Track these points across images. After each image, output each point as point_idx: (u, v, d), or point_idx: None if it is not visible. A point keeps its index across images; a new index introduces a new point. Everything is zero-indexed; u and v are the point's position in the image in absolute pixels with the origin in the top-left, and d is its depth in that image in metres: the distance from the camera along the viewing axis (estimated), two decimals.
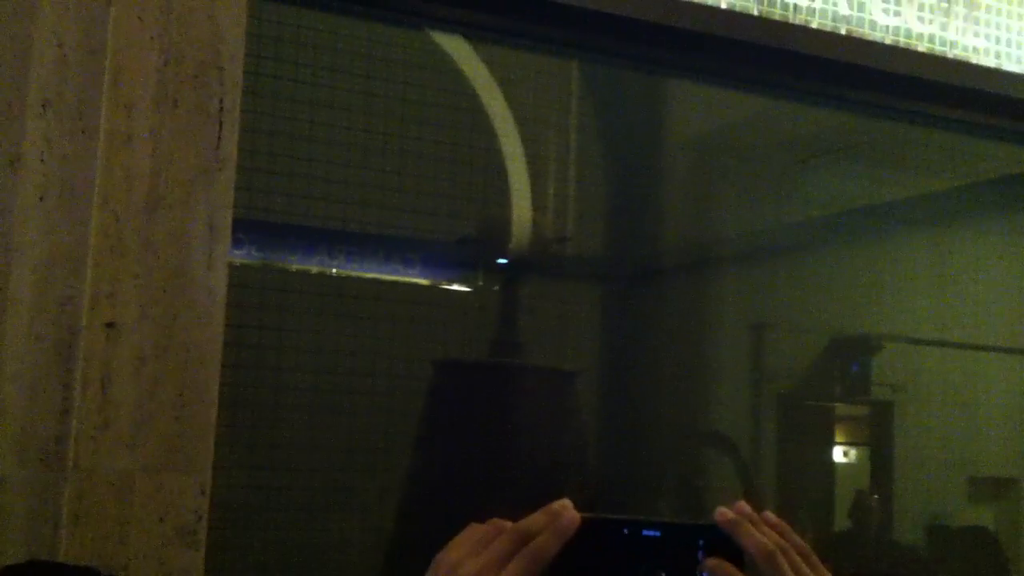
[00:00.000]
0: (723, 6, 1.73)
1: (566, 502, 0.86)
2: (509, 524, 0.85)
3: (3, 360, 1.11)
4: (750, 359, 2.17)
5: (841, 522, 2.23)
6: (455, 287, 1.89)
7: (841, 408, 2.32)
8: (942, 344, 2.32)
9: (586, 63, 1.98)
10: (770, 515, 0.89)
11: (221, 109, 1.24)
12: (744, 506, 0.89)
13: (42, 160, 1.12)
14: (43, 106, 1.12)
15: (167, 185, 1.20)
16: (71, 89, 1.14)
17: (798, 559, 0.87)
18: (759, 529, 0.88)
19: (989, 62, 1.95)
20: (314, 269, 1.77)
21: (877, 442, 2.30)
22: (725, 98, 2.07)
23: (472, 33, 1.81)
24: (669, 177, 2.16)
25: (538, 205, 1.93)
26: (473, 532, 0.85)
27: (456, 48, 1.83)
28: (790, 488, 2.19)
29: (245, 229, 1.62)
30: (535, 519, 0.85)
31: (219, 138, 1.24)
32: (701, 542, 0.88)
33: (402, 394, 1.78)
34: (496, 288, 1.93)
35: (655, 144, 2.15)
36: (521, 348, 1.93)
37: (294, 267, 1.76)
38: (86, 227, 1.14)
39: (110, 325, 1.16)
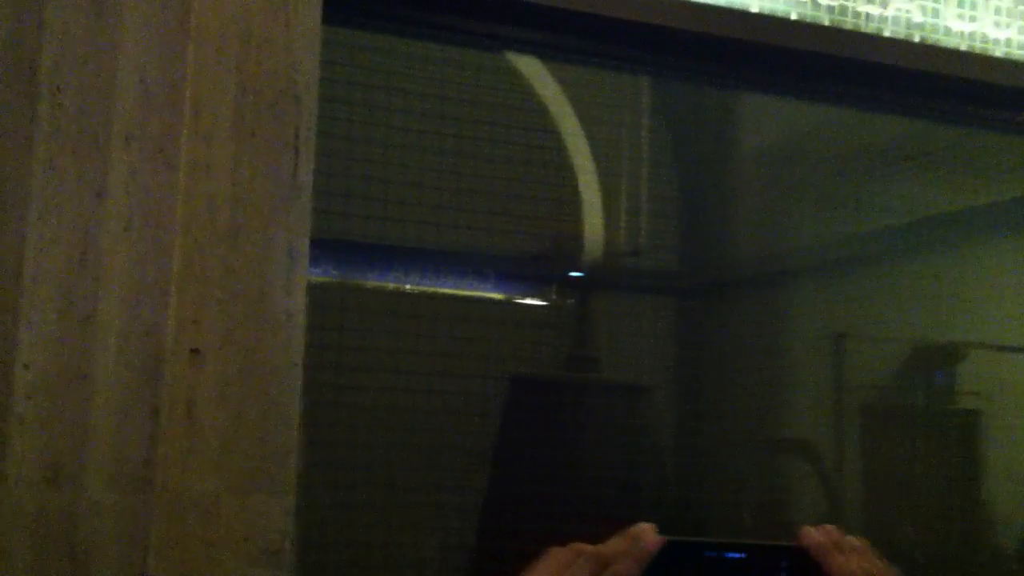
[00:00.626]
0: (793, 17, 1.72)
1: (646, 525, 0.86)
2: (589, 548, 0.85)
3: (93, 387, 1.14)
4: (831, 370, 2.14)
5: (927, 533, 2.19)
6: (529, 301, 1.90)
7: (926, 417, 2.28)
8: None
9: (657, 78, 1.98)
10: (854, 539, 0.88)
11: (297, 137, 1.27)
12: (830, 529, 0.89)
13: (126, 191, 1.16)
14: (126, 139, 1.16)
15: (246, 213, 1.23)
16: (153, 122, 1.18)
17: None
18: (844, 552, 0.87)
19: None
20: (390, 286, 1.79)
21: (964, 451, 2.25)
22: (798, 108, 2.05)
23: (543, 52, 1.83)
24: (742, 188, 2.15)
25: (610, 219, 1.94)
26: (554, 557, 0.86)
27: (527, 66, 1.85)
28: (874, 499, 2.16)
29: (323, 248, 1.65)
30: (615, 543, 0.85)
31: (296, 166, 1.27)
32: (784, 564, 0.88)
33: (478, 410, 1.79)
34: (571, 302, 1.93)
35: (727, 156, 2.14)
36: (596, 363, 1.93)
37: (370, 284, 1.78)
38: (169, 256, 1.17)
39: (194, 351, 1.19)
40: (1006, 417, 2.22)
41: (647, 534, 0.85)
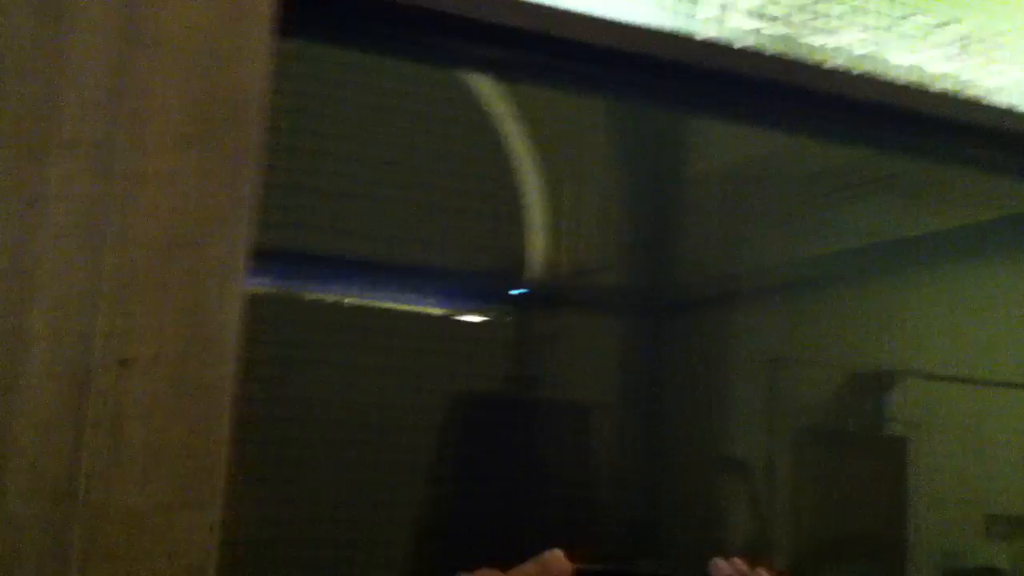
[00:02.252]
0: (736, 46, 1.74)
1: (557, 552, 0.86)
2: (499, 574, 0.84)
3: (18, 397, 1.12)
4: (767, 394, 2.16)
5: (854, 555, 2.22)
6: (472, 317, 1.89)
7: (856, 442, 2.31)
8: (958, 380, 2.31)
9: (608, 99, 1.99)
10: (763, 572, 0.89)
11: (243, 149, 1.25)
12: (738, 561, 0.89)
13: (61, 200, 1.14)
14: (65, 147, 1.14)
15: (184, 225, 1.21)
16: (93, 130, 1.16)
17: None
18: None
19: (1006, 101, 1.96)
20: (329, 298, 1.78)
21: (891, 478, 2.28)
22: (747, 132, 2.07)
23: (495, 69, 1.83)
24: (691, 210, 2.16)
25: (557, 237, 1.94)
26: None
27: (478, 83, 1.85)
28: (803, 521, 2.18)
29: (266, 259, 1.63)
30: (525, 569, 0.85)
31: (239, 178, 1.25)
32: None
33: (418, 427, 1.78)
34: (513, 319, 1.93)
35: (677, 177, 2.16)
36: (538, 381, 1.93)
37: (310, 296, 1.77)
38: (101, 266, 1.15)
39: (123, 362, 1.17)
40: (933, 445, 2.25)
41: (558, 560, 0.84)
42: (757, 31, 1.78)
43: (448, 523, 1.79)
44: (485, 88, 1.86)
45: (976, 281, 2.31)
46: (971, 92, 1.95)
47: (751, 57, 1.76)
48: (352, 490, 1.70)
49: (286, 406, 1.66)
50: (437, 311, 1.87)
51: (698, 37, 1.75)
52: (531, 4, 1.63)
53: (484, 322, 1.89)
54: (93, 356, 1.16)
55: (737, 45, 1.76)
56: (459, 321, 1.88)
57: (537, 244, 1.92)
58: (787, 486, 2.16)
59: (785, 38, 1.80)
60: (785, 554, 2.12)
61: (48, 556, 1.12)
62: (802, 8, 1.83)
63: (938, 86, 1.92)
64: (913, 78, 1.89)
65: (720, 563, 0.89)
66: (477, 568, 0.84)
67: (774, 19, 1.80)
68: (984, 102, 1.96)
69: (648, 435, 2.02)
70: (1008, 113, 1.97)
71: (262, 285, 1.67)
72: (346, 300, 1.78)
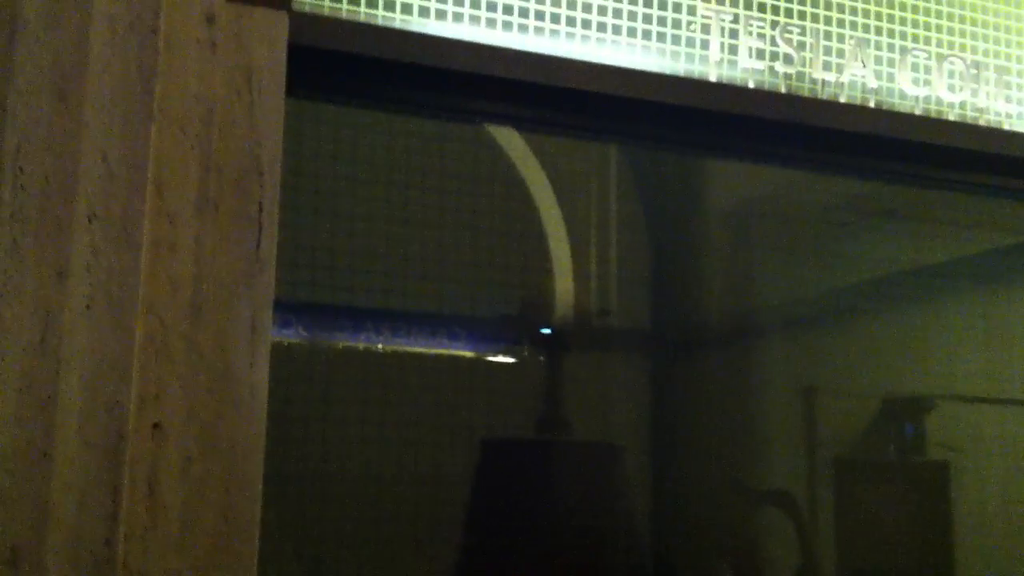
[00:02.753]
0: (751, 86, 1.75)
1: None
2: None
3: (53, 466, 1.14)
4: (803, 425, 2.15)
5: None
6: (500, 358, 1.91)
7: (896, 469, 2.29)
8: (996, 401, 2.29)
9: (625, 146, 2.01)
10: None
11: (260, 212, 1.29)
12: None
13: (88, 271, 1.17)
14: (89, 219, 1.18)
15: (209, 289, 1.24)
16: (116, 201, 1.20)
17: None
18: None
19: (1019, 127, 1.96)
20: (361, 346, 1.80)
21: (935, 503, 2.27)
22: (762, 171, 2.08)
23: (514, 123, 1.86)
24: (710, 249, 2.17)
25: (580, 279, 1.95)
26: None
27: (500, 135, 1.88)
28: (848, 550, 2.16)
29: (293, 311, 1.66)
30: None
31: (259, 240, 1.29)
32: None
33: (450, 475, 1.79)
34: (542, 360, 1.94)
35: (695, 217, 2.17)
36: (568, 423, 1.93)
37: (340, 345, 1.79)
38: (131, 334, 1.18)
39: (156, 426, 1.20)
40: (974, 467, 2.23)
41: None
42: (767, 70, 1.80)
43: (478, 568, 1.80)
44: (503, 140, 1.88)
45: (1004, 305, 2.30)
46: (985, 120, 1.95)
47: (764, 96, 1.78)
48: (388, 536, 1.72)
49: (319, 460, 1.68)
50: (468, 354, 1.88)
51: (710, 78, 1.77)
52: (540, 56, 1.66)
53: (514, 363, 1.90)
54: (126, 422, 1.19)
55: (750, 84, 1.78)
56: (490, 362, 1.89)
57: (563, 288, 1.94)
58: (826, 515, 2.14)
59: (793, 75, 1.81)
60: None
61: None
62: (810, 45, 1.84)
63: (952, 115, 1.93)
64: (925, 108, 1.89)
65: None
66: None
67: (783, 57, 1.82)
68: (1002, 128, 1.96)
69: (680, 471, 2.02)
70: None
71: (295, 336, 1.70)
72: (379, 346, 1.80)
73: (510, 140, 1.89)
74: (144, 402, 1.20)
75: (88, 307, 1.18)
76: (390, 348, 1.81)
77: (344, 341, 1.79)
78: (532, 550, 1.82)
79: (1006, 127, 1.96)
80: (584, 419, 1.94)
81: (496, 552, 1.81)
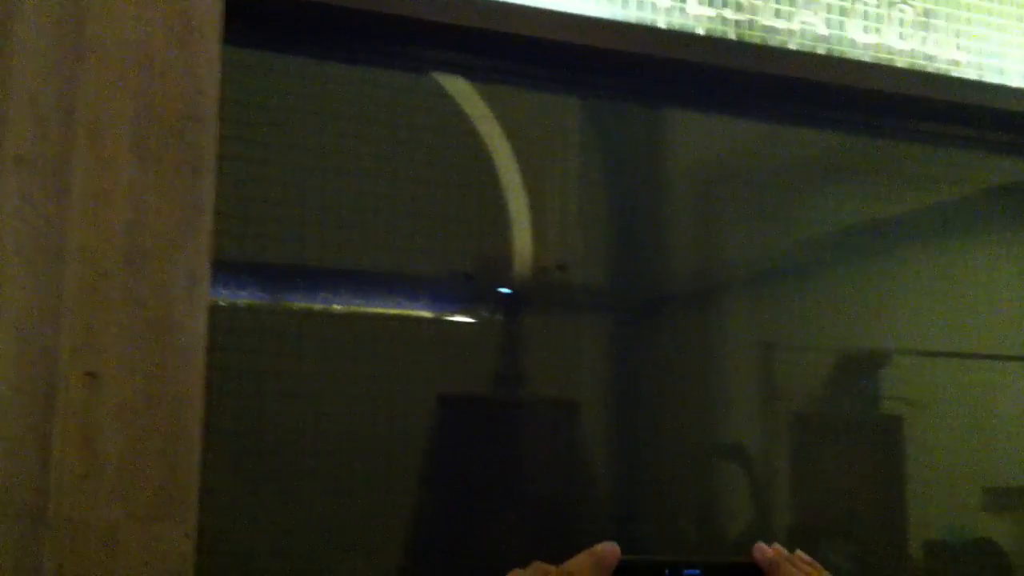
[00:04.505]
0: (701, 32, 1.74)
1: (610, 544, 0.87)
2: (552, 568, 0.86)
3: None
4: (761, 380, 2.16)
5: (855, 536, 2.21)
6: (459, 318, 1.90)
7: (852, 424, 2.31)
8: (953, 355, 2.31)
9: (581, 96, 2.00)
10: (802, 554, 0.91)
11: (199, 160, 1.27)
12: (779, 547, 0.92)
13: (18, 216, 1.15)
14: (17, 163, 1.15)
15: (146, 237, 1.22)
16: (46, 145, 1.17)
17: None
18: (795, 566, 0.90)
19: (971, 75, 1.96)
20: (317, 307, 1.78)
21: (888, 456, 2.28)
22: (721, 125, 2.08)
23: (468, 72, 1.84)
24: (671, 205, 2.17)
25: (539, 236, 1.94)
26: None
27: (453, 86, 1.86)
28: (803, 504, 2.18)
29: (245, 270, 1.64)
30: (578, 561, 0.86)
31: (198, 189, 1.26)
32: None
33: (407, 430, 1.79)
34: (500, 318, 1.93)
35: (656, 173, 2.16)
36: (526, 380, 1.93)
37: (296, 306, 1.77)
38: (62, 280, 1.16)
39: (91, 375, 1.18)
40: (929, 422, 2.25)
41: (611, 552, 0.86)
42: (717, 17, 1.79)
43: (436, 526, 1.79)
44: (461, 92, 1.86)
45: (960, 257, 2.31)
46: (934, 68, 1.95)
47: (714, 44, 1.77)
48: (342, 494, 1.71)
49: (268, 413, 1.67)
50: (425, 314, 1.87)
51: (659, 25, 1.75)
52: (485, 2, 1.64)
53: (472, 323, 1.89)
54: (59, 371, 1.17)
55: (699, 32, 1.77)
56: (447, 322, 1.88)
57: (522, 244, 1.92)
58: (785, 470, 2.16)
59: (744, 23, 1.80)
60: (787, 536, 2.12)
61: (21, 571, 1.12)
62: None
63: (901, 63, 1.93)
64: (875, 56, 1.89)
65: (762, 546, 0.93)
66: (528, 563, 0.86)
67: (732, 3, 1.80)
68: (950, 75, 1.96)
69: (641, 428, 2.02)
70: (976, 85, 1.97)
71: (249, 297, 1.68)
72: (334, 307, 1.79)
73: (461, 91, 1.87)
74: (77, 350, 1.18)
75: (18, 252, 1.15)
76: (347, 309, 1.79)
77: (296, 302, 1.78)
78: (490, 507, 1.81)
79: (955, 74, 1.96)
80: (543, 377, 1.94)
81: (454, 509, 1.81)
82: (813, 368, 2.20)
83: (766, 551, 0.92)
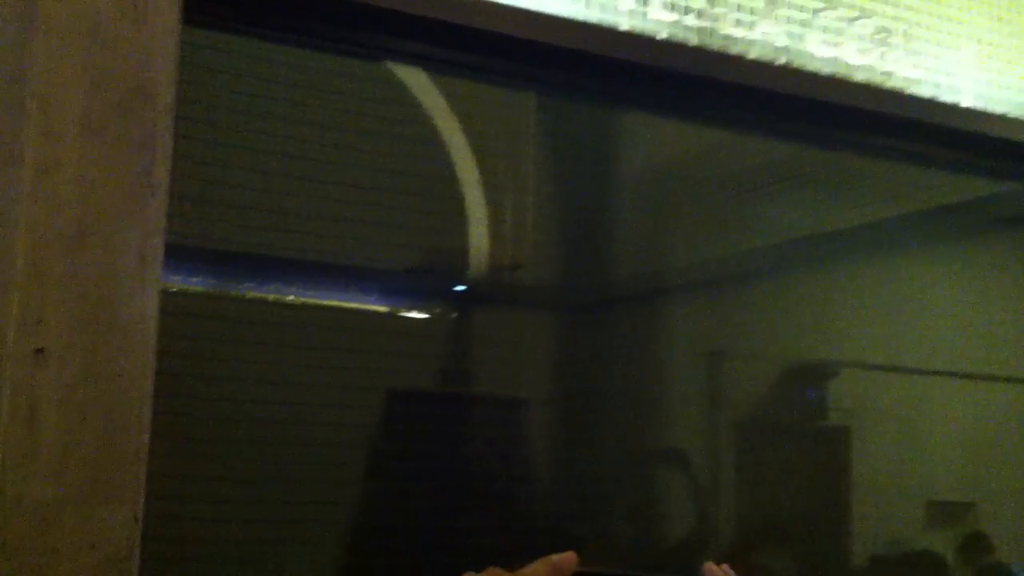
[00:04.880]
0: (663, 36, 1.75)
1: (570, 555, 0.88)
2: (506, 574, 0.85)
3: None
4: (706, 387, 2.18)
5: (795, 544, 2.23)
6: (411, 314, 1.89)
7: (796, 434, 2.33)
8: (895, 369, 2.34)
9: (540, 94, 2.00)
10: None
11: (151, 137, 1.25)
12: (727, 568, 0.94)
13: None
14: None
15: (95, 213, 1.21)
16: None
17: None
18: None
19: (926, 92, 1.98)
20: (271, 297, 1.77)
21: (832, 467, 2.31)
22: (674, 130, 2.09)
23: (427, 64, 1.83)
24: (624, 206, 2.18)
25: (495, 233, 1.94)
26: None
27: (411, 77, 1.85)
28: (746, 511, 2.20)
29: (197, 258, 1.63)
30: (535, 569, 0.86)
31: (149, 165, 1.25)
32: None
33: (355, 424, 1.78)
34: (453, 315, 1.93)
35: (611, 174, 2.17)
36: (476, 376, 1.93)
37: (249, 295, 1.76)
38: (11, 255, 1.15)
39: (39, 351, 1.17)
40: (871, 432, 2.28)
41: (568, 562, 0.86)
42: (678, 23, 1.80)
43: (382, 519, 1.79)
44: (419, 84, 1.86)
45: (906, 272, 2.34)
46: (891, 84, 1.98)
47: (673, 49, 1.78)
48: (289, 485, 1.70)
49: (223, 403, 1.65)
50: (378, 308, 1.86)
51: (620, 27, 1.76)
52: None
53: (423, 319, 1.89)
54: (6, 346, 1.15)
55: (659, 37, 1.78)
56: (400, 318, 1.88)
57: (477, 241, 1.92)
58: (728, 477, 2.17)
59: (705, 30, 1.81)
60: (728, 543, 2.14)
61: None
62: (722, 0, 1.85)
63: (858, 77, 1.95)
64: (833, 70, 1.91)
65: (711, 567, 0.94)
66: (483, 568, 0.85)
67: (694, 11, 1.82)
68: (906, 93, 1.99)
69: (587, 429, 2.03)
70: (929, 104, 2.00)
71: (201, 284, 1.66)
72: (288, 298, 1.78)
73: (421, 83, 1.86)
74: (25, 325, 1.17)
75: None
76: (300, 300, 1.78)
77: (249, 291, 1.76)
78: (436, 502, 1.81)
79: (911, 92, 1.99)
80: (493, 374, 1.94)
81: (400, 503, 1.80)
82: (757, 376, 2.22)
83: (715, 572, 0.94)
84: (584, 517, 1.99)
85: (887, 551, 2.29)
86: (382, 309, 1.87)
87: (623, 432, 2.07)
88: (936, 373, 2.36)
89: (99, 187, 1.20)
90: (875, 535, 2.29)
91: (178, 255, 1.46)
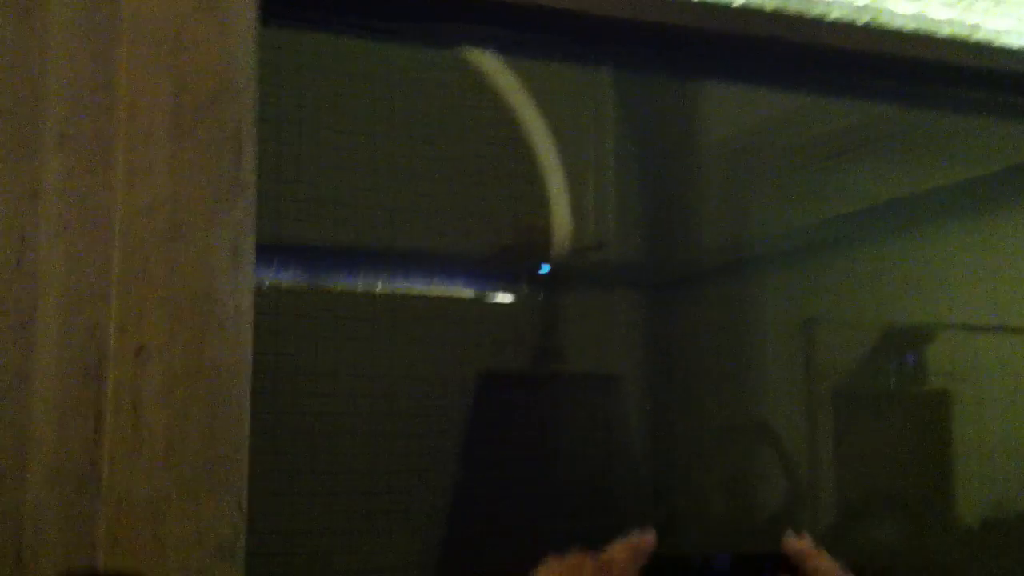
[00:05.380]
0: (737, 4, 1.73)
1: (647, 534, 0.88)
2: (588, 560, 0.86)
3: (34, 389, 1.14)
4: (801, 356, 2.15)
5: (899, 515, 2.20)
6: (497, 298, 1.90)
7: (896, 400, 2.29)
8: (998, 329, 2.28)
9: (616, 71, 1.99)
10: (824, 553, 0.93)
11: (238, 134, 1.28)
12: (807, 537, 0.94)
13: (62, 193, 1.17)
14: (60, 140, 1.17)
15: (187, 211, 1.23)
16: (86, 122, 1.19)
17: None
18: (821, 559, 0.92)
19: (1015, 43, 1.93)
20: (359, 288, 1.79)
21: (935, 433, 2.26)
22: (755, 98, 2.07)
23: (501, 48, 1.83)
24: (705, 179, 2.16)
25: (577, 212, 1.94)
26: (556, 567, 0.87)
27: (485, 62, 1.86)
28: (848, 482, 2.17)
29: (286, 252, 1.65)
30: (617, 551, 0.87)
31: (237, 163, 1.27)
32: (768, 569, 0.93)
33: (447, 409, 1.79)
34: (539, 297, 1.93)
35: (689, 147, 2.15)
36: (565, 356, 1.93)
37: (338, 288, 1.78)
38: (108, 256, 1.18)
39: (138, 350, 1.20)
40: (976, 396, 2.23)
41: (647, 542, 0.87)
42: None
43: (475, 505, 1.80)
44: (494, 68, 1.86)
45: (1008, 229, 2.28)
46: (979, 37, 1.92)
47: (751, 15, 1.75)
48: (383, 473, 1.72)
49: (316, 396, 1.68)
50: (463, 294, 1.88)
51: None
52: None
53: (509, 303, 1.90)
54: (107, 346, 1.19)
55: (734, 5, 1.75)
56: (486, 303, 1.89)
57: (559, 221, 1.92)
58: (828, 447, 2.14)
59: None
60: (828, 516, 2.11)
61: (73, 544, 1.14)
62: None
63: (944, 32, 1.90)
64: (917, 26, 1.87)
65: (789, 542, 0.94)
66: (566, 551, 0.86)
67: None
68: (995, 44, 1.93)
69: (681, 406, 2.02)
70: (1020, 54, 1.94)
71: (290, 279, 1.69)
72: (376, 289, 1.79)
73: (496, 67, 1.86)
74: (126, 324, 1.20)
75: (64, 229, 1.17)
76: (386, 290, 1.80)
77: (341, 285, 1.78)
78: (528, 485, 1.82)
79: (999, 43, 1.93)
80: (581, 354, 1.94)
81: (492, 488, 1.81)
82: (852, 343, 2.18)
83: (795, 543, 0.93)
84: (675, 493, 1.99)
85: (993, 515, 2.25)
86: (468, 294, 1.88)
87: (715, 407, 2.06)
88: None
89: (190, 187, 1.23)
90: (981, 499, 2.24)
91: (267, 251, 1.49)
